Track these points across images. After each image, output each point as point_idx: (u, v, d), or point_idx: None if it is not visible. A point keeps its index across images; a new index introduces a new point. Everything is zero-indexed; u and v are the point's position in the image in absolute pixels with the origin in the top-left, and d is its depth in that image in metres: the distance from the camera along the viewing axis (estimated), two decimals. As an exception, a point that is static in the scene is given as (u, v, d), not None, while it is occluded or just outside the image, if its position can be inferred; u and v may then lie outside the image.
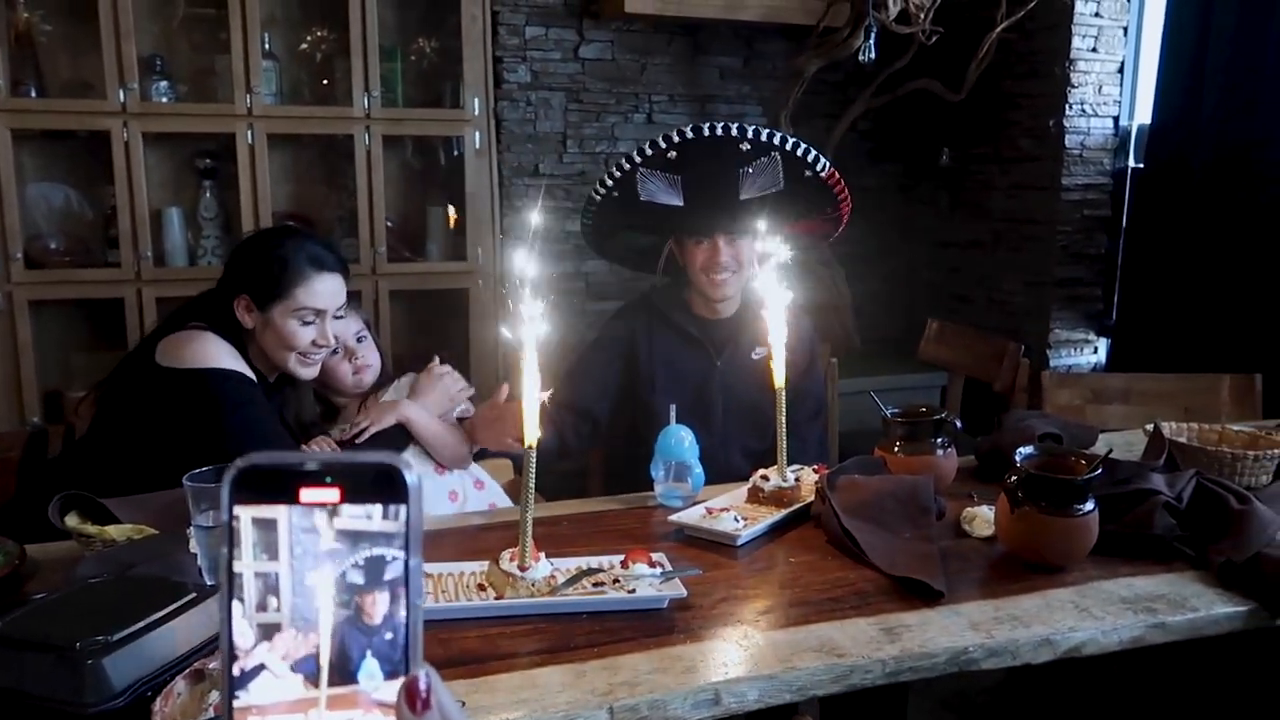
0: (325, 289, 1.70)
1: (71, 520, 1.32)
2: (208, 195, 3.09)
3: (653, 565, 1.30)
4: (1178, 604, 1.32)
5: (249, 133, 2.95)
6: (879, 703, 1.86)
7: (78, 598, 1.07)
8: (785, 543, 1.52)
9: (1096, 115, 3.18)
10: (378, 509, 0.43)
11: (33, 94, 2.86)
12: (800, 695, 1.14)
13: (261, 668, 0.44)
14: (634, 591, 1.25)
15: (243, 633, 0.43)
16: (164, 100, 2.95)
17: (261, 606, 0.44)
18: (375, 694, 0.43)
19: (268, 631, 0.44)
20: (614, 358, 2.06)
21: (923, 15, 3.07)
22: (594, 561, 1.33)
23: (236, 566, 0.43)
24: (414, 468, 0.44)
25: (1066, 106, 3.14)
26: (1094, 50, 3.15)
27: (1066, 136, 3.16)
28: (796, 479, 1.63)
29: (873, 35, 3.06)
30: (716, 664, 1.14)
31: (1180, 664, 1.64)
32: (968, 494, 1.70)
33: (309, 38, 3.21)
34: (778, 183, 1.93)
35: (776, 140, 1.87)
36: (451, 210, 3.32)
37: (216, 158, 3.09)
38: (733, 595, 1.32)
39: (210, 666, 1.00)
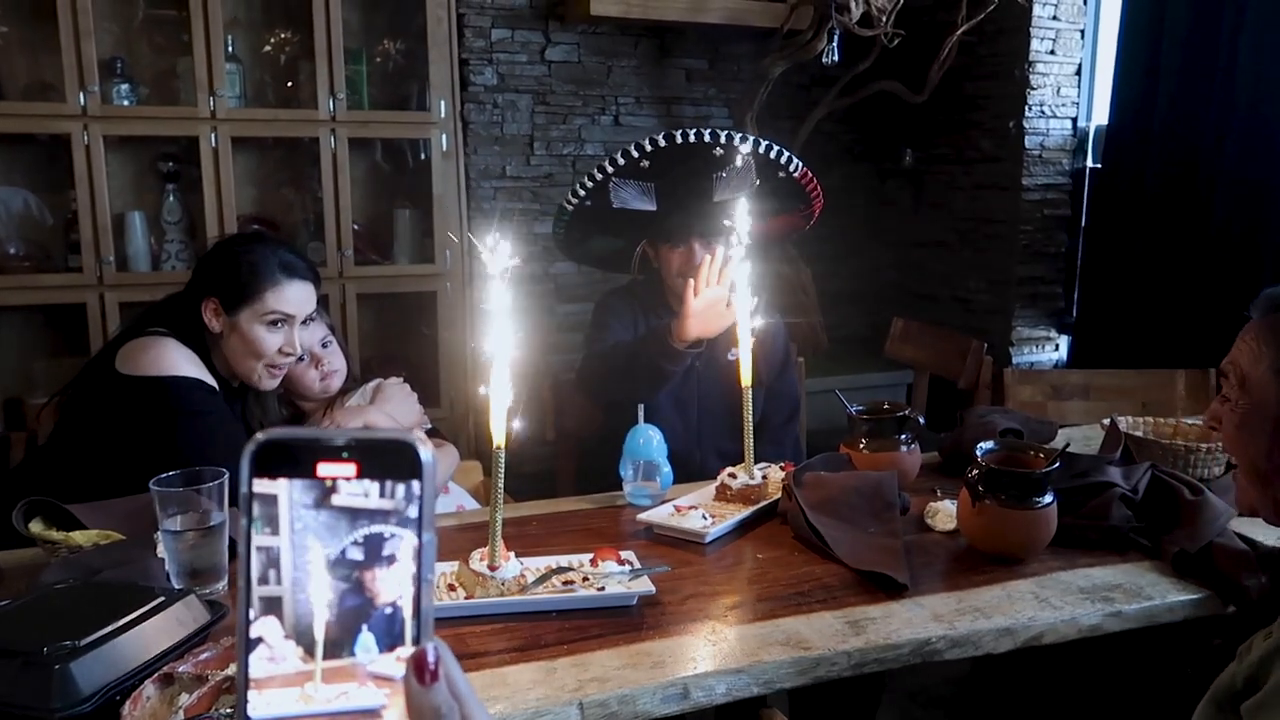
0: (295, 295, 1.69)
1: (36, 526, 1.31)
2: (171, 199, 3.06)
3: (621, 563, 1.31)
4: (1134, 593, 1.35)
5: (212, 136, 2.93)
6: (851, 698, 1.89)
7: (44, 603, 1.06)
8: (752, 539, 1.54)
9: (1055, 116, 3.24)
10: (375, 486, 0.44)
11: (-10, 97, 2.82)
12: (767, 688, 1.16)
13: (259, 640, 0.45)
14: (603, 589, 1.27)
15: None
16: (125, 103, 2.92)
17: (263, 580, 0.45)
18: (371, 666, 0.44)
19: (268, 605, 0.44)
20: (627, 334, 2.07)
21: (884, 18, 3.11)
22: (563, 560, 1.34)
23: (271, 540, 0.44)
24: (429, 444, 0.44)
25: (1026, 108, 3.20)
26: (1052, 53, 3.21)
27: (1026, 137, 3.21)
28: (764, 476, 1.65)
29: (836, 38, 3.10)
30: (685, 659, 1.15)
31: (1139, 651, 1.68)
32: (931, 489, 1.73)
33: (272, 40, 3.19)
34: (751, 185, 1.96)
35: (749, 144, 1.88)
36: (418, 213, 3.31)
37: (179, 161, 3.06)
38: (701, 592, 1.34)
39: (180, 670, 1.00)
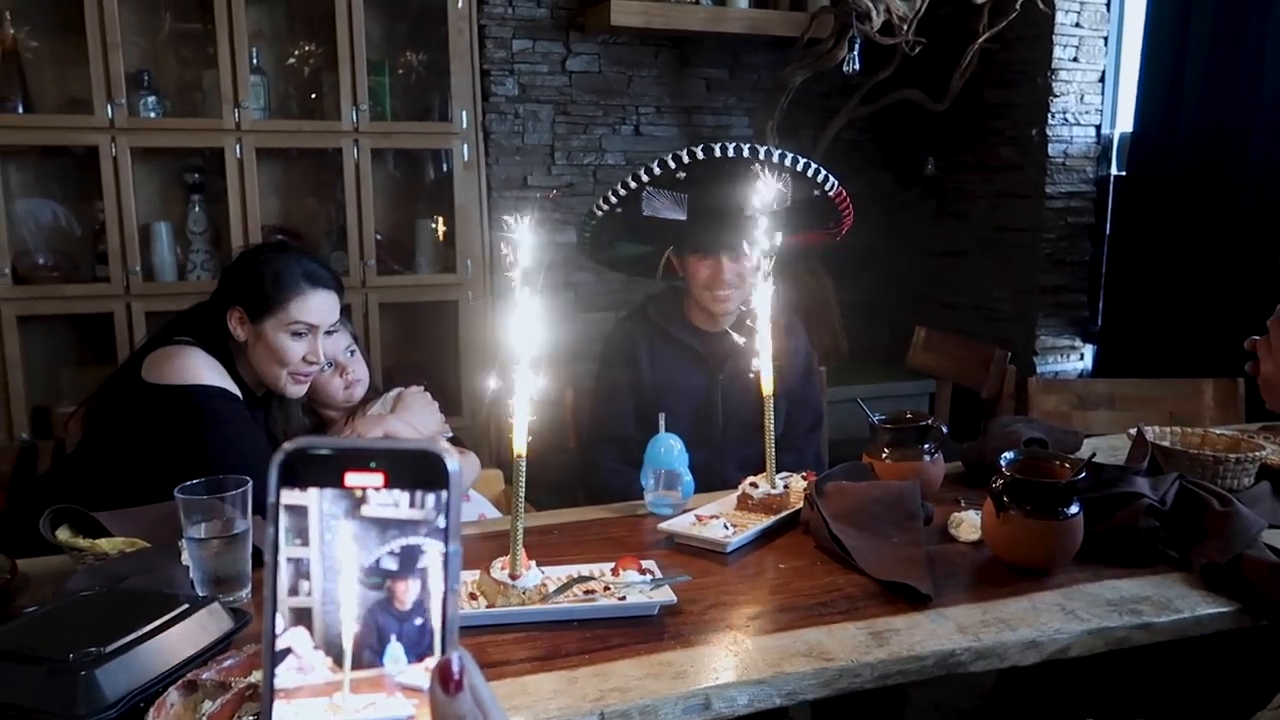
0: (319, 304, 1.70)
1: (63, 534, 1.32)
2: (196, 210, 3.10)
3: (643, 573, 1.31)
4: (1162, 605, 1.33)
5: (237, 147, 2.96)
6: (873, 710, 1.87)
7: (70, 610, 1.07)
8: (774, 549, 1.53)
9: (1079, 124, 3.22)
10: (405, 497, 0.44)
11: (19, 110, 2.87)
12: (790, 699, 1.15)
13: (288, 651, 0.45)
14: (624, 599, 1.26)
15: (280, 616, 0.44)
16: (151, 115, 2.96)
17: (293, 591, 0.45)
18: (399, 677, 0.45)
19: (298, 616, 0.44)
20: (626, 374, 2.07)
21: (906, 26, 3.10)
22: (585, 569, 1.33)
23: (300, 552, 0.44)
24: (455, 454, 0.44)
25: (1049, 115, 3.18)
26: (1075, 60, 3.18)
27: (1049, 145, 3.19)
28: (785, 486, 1.64)
29: (857, 46, 3.10)
30: (707, 669, 1.15)
31: (1167, 665, 1.66)
32: (954, 499, 1.72)
33: (296, 52, 3.22)
34: (784, 201, 1.94)
35: (788, 161, 1.87)
36: (440, 223, 3.33)
37: (204, 172, 3.10)
38: (722, 601, 1.33)
39: (204, 677, 1.01)
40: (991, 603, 1.33)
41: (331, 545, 0.45)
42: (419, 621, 0.45)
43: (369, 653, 0.45)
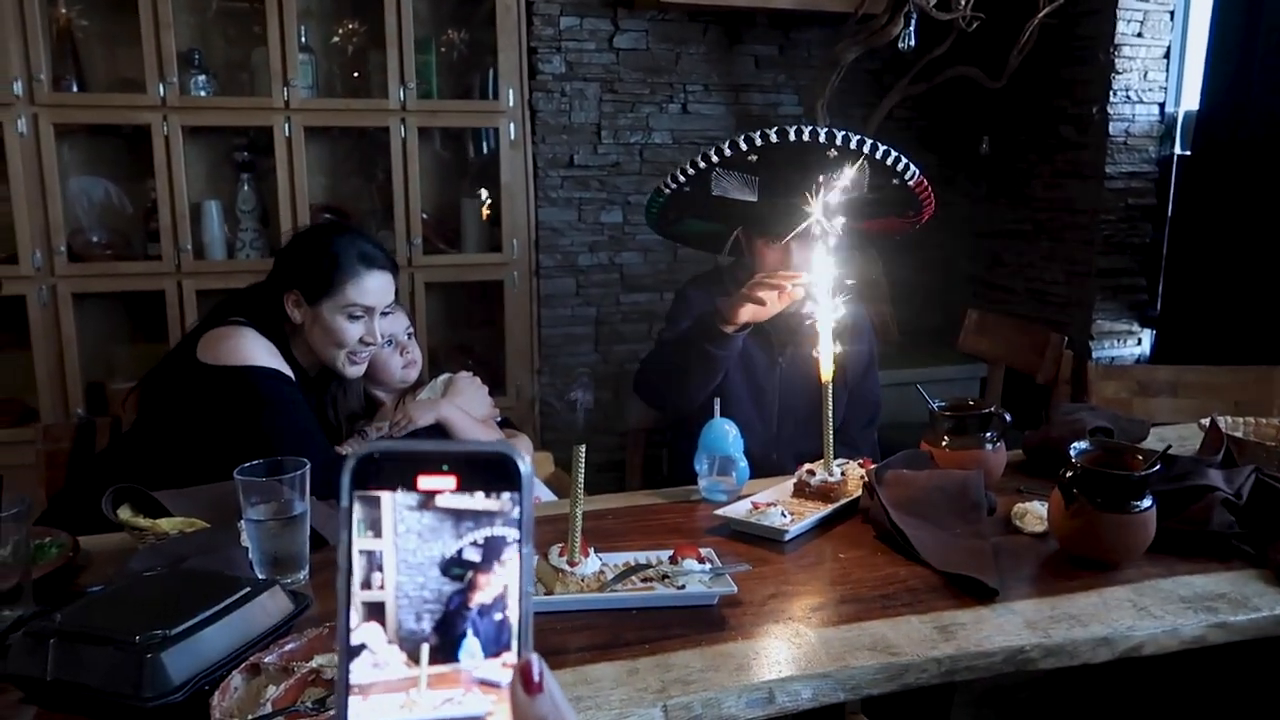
0: (375, 286, 1.70)
1: (124, 513, 1.33)
2: (245, 188, 3.11)
3: (702, 561, 1.29)
4: (1239, 603, 1.29)
5: (286, 125, 2.97)
6: (924, 699, 1.84)
7: (134, 591, 1.08)
8: (832, 538, 1.50)
9: (1142, 102, 3.12)
10: (481, 492, 0.43)
11: (74, 88, 2.89)
12: (855, 694, 1.13)
13: (362, 647, 0.44)
14: (684, 588, 1.24)
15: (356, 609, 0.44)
16: (202, 94, 2.97)
17: (365, 584, 0.44)
18: (476, 672, 0.43)
19: (371, 611, 0.44)
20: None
21: (963, 1, 3.02)
22: (642, 557, 1.32)
23: (374, 545, 0.43)
24: (526, 458, 0.43)
25: (1110, 93, 3.08)
26: (1139, 35, 3.08)
27: (1110, 124, 3.09)
28: (843, 473, 1.61)
29: (913, 22, 3.02)
30: (769, 662, 1.12)
31: (1219, 664, 1.61)
32: (1015, 489, 1.68)
33: (340, 30, 3.22)
34: (861, 189, 1.88)
35: (866, 148, 1.80)
36: (486, 200, 3.32)
37: (253, 151, 3.11)
38: (782, 592, 1.31)
39: (266, 661, 1.01)
40: (1060, 598, 1.30)
41: (405, 538, 0.44)
42: (496, 616, 0.44)
43: (445, 648, 0.44)
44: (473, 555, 0.44)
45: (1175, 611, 1.26)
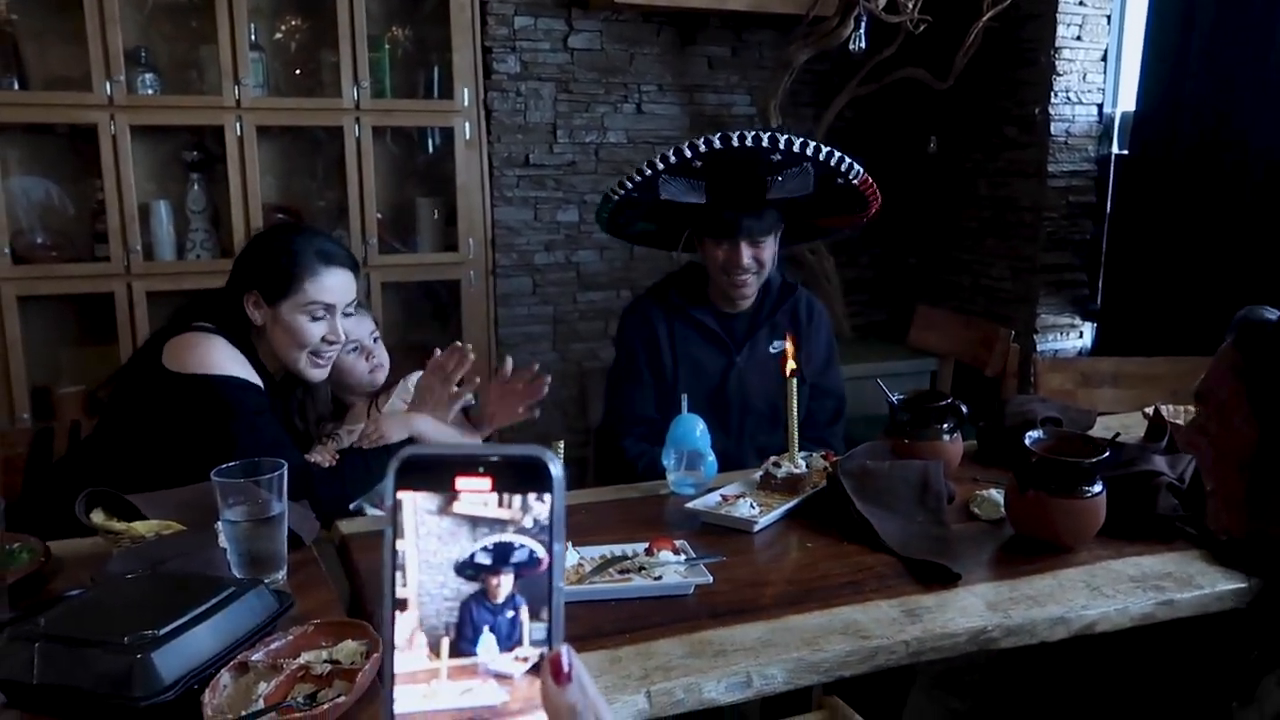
0: (335, 284, 1.69)
1: (97, 517, 1.32)
2: (195, 188, 3.06)
3: (677, 553, 1.32)
4: (1184, 581, 1.36)
5: (238, 125, 2.93)
6: (885, 683, 1.89)
7: (116, 593, 1.07)
8: (799, 528, 1.55)
9: (1081, 103, 3.22)
10: (494, 496, 0.46)
11: (14, 86, 2.82)
12: (828, 676, 1.17)
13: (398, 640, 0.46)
14: (660, 579, 1.27)
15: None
16: (149, 92, 2.92)
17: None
18: (492, 665, 0.46)
19: (397, 605, 0.46)
20: (644, 354, 2.06)
21: (911, 4, 3.09)
22: (618, 550, 1.34)
23: (399, 543, 0.46)
24: (558, 461, 0.46)
25: (1052, 94, 3.18)
26: (1078, 38, 3.19)
27: (1052, 124, 3.19)
28: (807, 465, 1.65)
29: (863, 24, 3.09)
30: (746, 648, 1.16)
31: (1158, 641, 1.68)
32: (972, 478, 1.74)
33: (284, 27, 3.18)
34: (808, 188, 1.92)
35: (810, 150, 1.83)
36: (441, 201, 3.31)
37: (203, 150, 3.06)
38: (754, 580, 1.35)
39: (254, 659, 1.01)
40: (1018, 580, 1.36)
41: (427, 539, 0.46)
42: (510, 614, 0.46)
43: (463, 642, 0.47)
44: (487, 558, 0.46)
45: (1126, 591, 1.33)
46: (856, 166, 1.88)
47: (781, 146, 1.81)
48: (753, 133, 1.81)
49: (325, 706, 0.94)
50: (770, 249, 1.97)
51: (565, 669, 0.45)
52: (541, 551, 0.46)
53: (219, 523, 1.23)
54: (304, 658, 1.03)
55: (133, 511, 1.34)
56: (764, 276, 2.01)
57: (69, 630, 0.96)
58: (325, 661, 1.03)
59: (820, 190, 1.95)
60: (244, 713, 0.92)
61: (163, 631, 0.95)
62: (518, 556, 0.46)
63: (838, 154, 1.87)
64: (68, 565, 1.33)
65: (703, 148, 1.82)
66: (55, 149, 3.03)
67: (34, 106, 2.84)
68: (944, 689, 2.53)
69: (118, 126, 2.81)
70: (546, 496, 0.46)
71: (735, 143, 1.80)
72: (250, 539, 1.23)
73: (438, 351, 1.78)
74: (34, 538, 1.33)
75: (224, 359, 1.59)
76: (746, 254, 1.94)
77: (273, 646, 1.04)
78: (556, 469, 0.46)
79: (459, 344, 1.75)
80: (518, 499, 0.46)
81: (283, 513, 1.26)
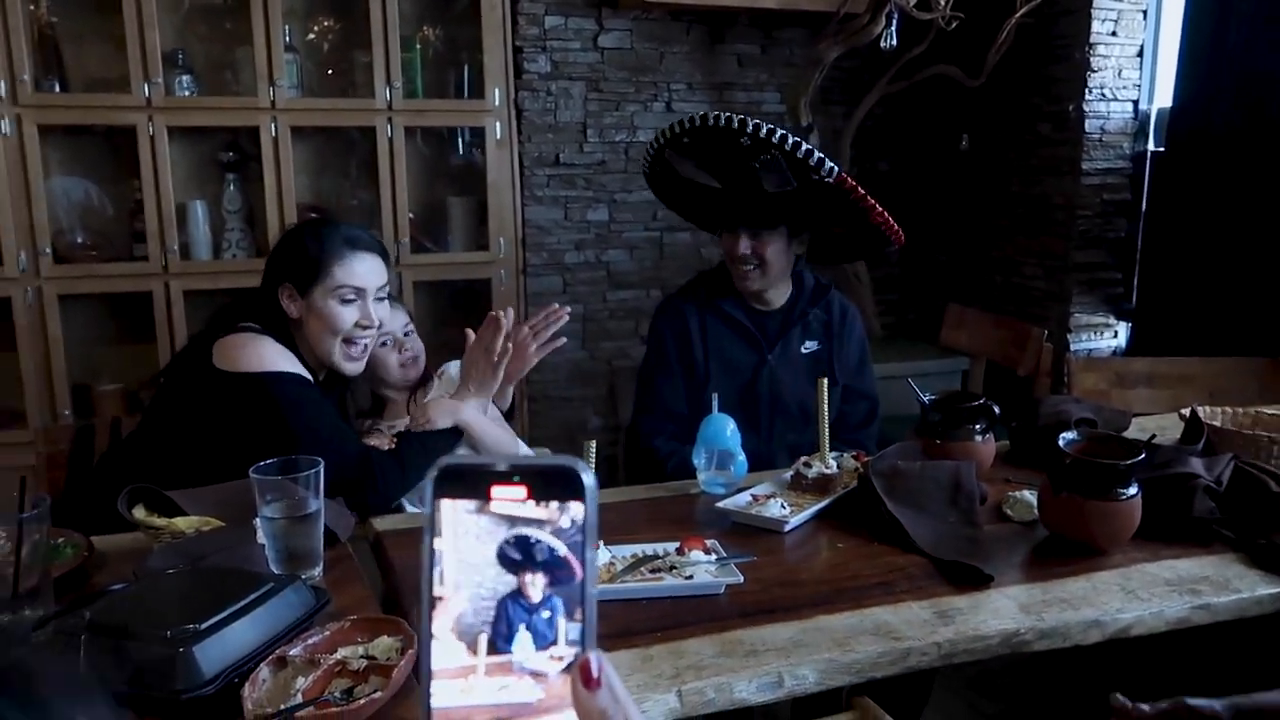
0: (363, 267, 1.70)
1: (139, 513, 1.35)
2: (231, 188, 3.11)
3: (708, 552, 1.32)
4: (1221, 585, 1.34)
5: (272, 125, 2.97)
6: (905, 683, 1.88)
7: (158, 588, 1.10)
8: (830, 528, 1.54)
9: (1116, 99, 3.18)
10: (547, 500, 0.47)
11: (56, 89, 2.87)
12: (859, 677, 1.17)
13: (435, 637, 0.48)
14: (691, 578, 1.28)
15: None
16: (186, 94, 2.96)
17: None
18: (527, 663, 0.47)
19: (433, 603, 0.48)
20: (675, 347, 2.07)
21: (943, 1, 3.07)
22: (649, 549, 1.35)
23: (436, 545, 0.47)
24: (591, 470, 0.47)
25: (1086, 91, 3.14)
26: (1113, 34, 3.15)
27: (1086, 121, 3.16)
28: (838, 466, 1.65)
29: (894, 21, 3.07)
30: (777, 647, 1.16)
31: (1194, 646, 1.66)
32: (1004, 479, 1.73)
33: (316, 29, 3.21)
34: (789, 183, 1.90)
35: (775, 138, 1.79)
36: (473, 200, 3.33)
37: (239, 151, 3.10)
38: (785, 580, 1.35)
39: (292, 653, 1.03)
40: (1051, 583, 1.35)
41: (464, 539, 0.47)
42: (546, 614, 0.47)
43: (499, 640, 0.47)
44: (523, 557, 0.47)
45: (1161, 594, 1.32)
46: (829, 162, 1.82)
47: (749, 130, 1.79)
48: (725, 115, 1.81)
49: (361, 702, 0.95)
50: (774, 247, 1.97)
51: (595, 675, 0.46)
52: (575, 552, 0.47)
53: (257, 519, 1.25)
54: (340, 653, 1.04)
55: (173, 508, 1.37)
56: (769, 275, 2.01)
57: (113, 623, 0.98)
58: (361, 657, 1.04)
59: (817, 196, 1.91)
60: (282, 707, 0.94)
61: (204, 626, 0.97)
62: (552, 556, 0.47)
63: (806, 146, 1.81)
64: (110, 560, 1.36)
65: (686, 124, 1.86)
66: (95, 150, 3.08)
67: (74, 108, 2.89)
68: (976, 691, 2.51)
69: (155, 127, 2.86)
70: (580, 505, 0.47)
71: (710, 121, 1.82)
72: (288, 535, 1.25)
73: (470, 334, 1.78)
74: (78, 533, 1.36)
75: (274, 356, 1.62)
76: (744, 244, 1.96)
77: (310, 642, 1.05)
78: (589, 479, 0.47)
79: (494, 313, 1.75)
80: (565, 507, 0.47)
81: (319, 510, 1.28)
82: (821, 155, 1.83)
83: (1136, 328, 3.29)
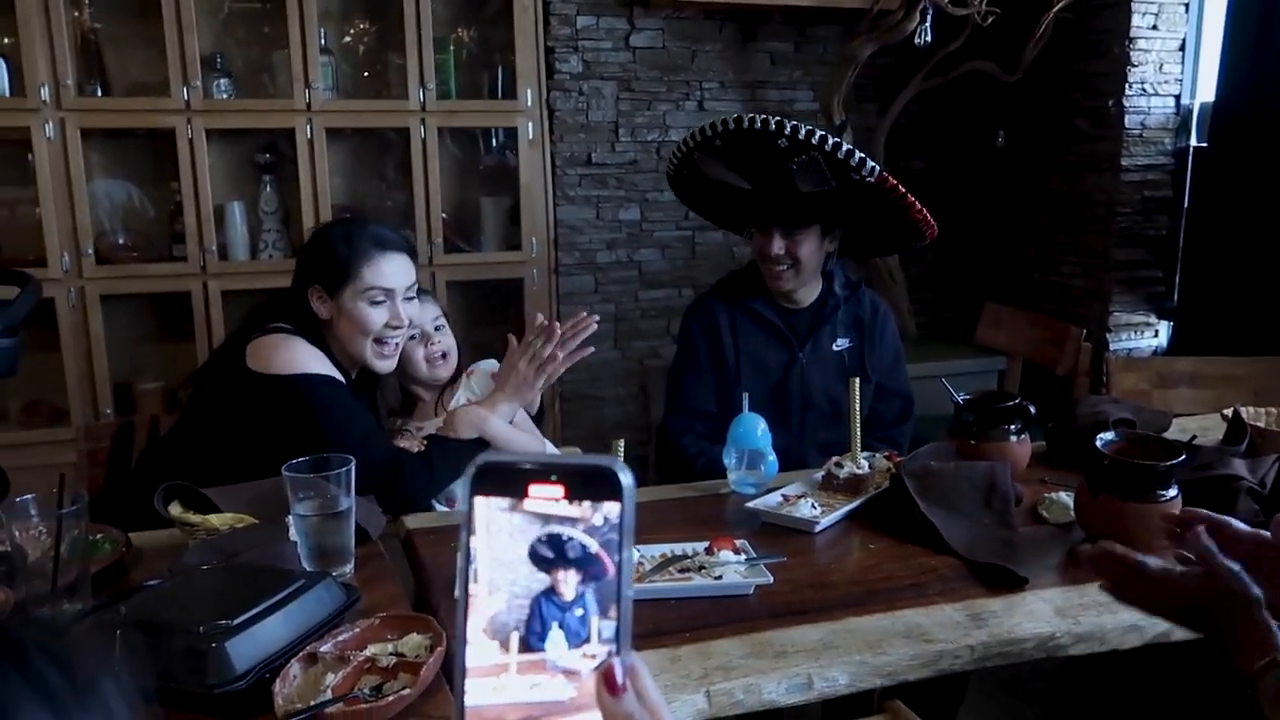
0: (391, 268, 1.71)
1: (174, 509, 1.37)
2: (268, 190, 3.15)
3: (738, 553, 1.32)
4: (1265, 590, 1.31)
5: (308, 127, 3.00)
6: (939, 686, 1.86)
7: (192, 584, 1.11)
8: (861, 529, 1.53)
9: (1157, 94, 3.12)
10: (584, 500, 0.47)
11: (98, 93, 2.93)
12: (891, 680, 1.16)
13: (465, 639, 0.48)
14: (720, 578, 1.27)
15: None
16: (224, 97, 3.00)
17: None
18: (560, 662, 0.47)
19: (468, 600, 0.48)
20: (705, 345, 2.07)
21: (979, -4, 3.03)
22: (678, 548, 1.35)
23: (472, 543, 0.47)
24: (629, 470, 0.46)
25: (1126, 86, 3.09)
26: (1154, 28, 3.09)
27: (1126, 116, 3.10)
28: (870, 466, 1.63)
29: (929, 17, 3.03)
30: (806, 649, 1.15)
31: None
32: (1040, 479, 1.70)
33: (351, 31, 3.24)
34: (828, 183, 1.89)
35: (815, 139, 1.79)
36: (505, 201, 3.34)
37: (275, 152, 3.14)
38: (816, 581, 1.34)
39: (322, 650, 1.04)
40: (1088, 586, 1.32)
41: (497, 538, 0.47)
42: (579, 613, 0.47)
43: (532, 638, 0.47)
44: (556, 555, 0.47)
45: (1202, 598, 1.28)
46: (870, 162, 1.81)
47: (787, 132, 1.79)
48: (762, 116, 1.81)
49: (390, 699, 0.96)
50: (808, 246, 1.96)
51: (617, 681, 0.46)
52: (610, 551, 0.46)
53: (289, 517, 1.27)
54: (370, 650, 1.05)
55: (208, 505, 1.38)
56: (803, 274, 2.00)
57: (147, 618, 1.00)
58: (391, 654, 1.05)
59: (845, 190, 1.91)
60: (312, 702, 0.94)
61: (236, 622, 0.98)
62: (585, 553, 0.47)
63: (847, 146, 1.81)
64: (147, 556, 1.38)
65: (719, 126, 1.85)
66: (136, 152, 3.14)
67: (116, 112, 2.94)
68: (1011, 695, 2.48)
69: (194, 130, 2.90)
70: (616, 504, 0.46)
71: (746, 124, 1.81)
72: (319, 533, 1.26)
73: (513, 340, 1.77)
74: (116, 529, 1.38)
75: (306, 357, 1.63)
76: (778, 244, 1.95)
77: (340, 638, 1.06)
78: (627, 479, 0.46)
79: (544, 320, 1.75)
80: (601, 507, 0.47)
81: (350, 508, 1.29)
82: (863, 155, 1.83)
83: (1178, 327, 3.22)
